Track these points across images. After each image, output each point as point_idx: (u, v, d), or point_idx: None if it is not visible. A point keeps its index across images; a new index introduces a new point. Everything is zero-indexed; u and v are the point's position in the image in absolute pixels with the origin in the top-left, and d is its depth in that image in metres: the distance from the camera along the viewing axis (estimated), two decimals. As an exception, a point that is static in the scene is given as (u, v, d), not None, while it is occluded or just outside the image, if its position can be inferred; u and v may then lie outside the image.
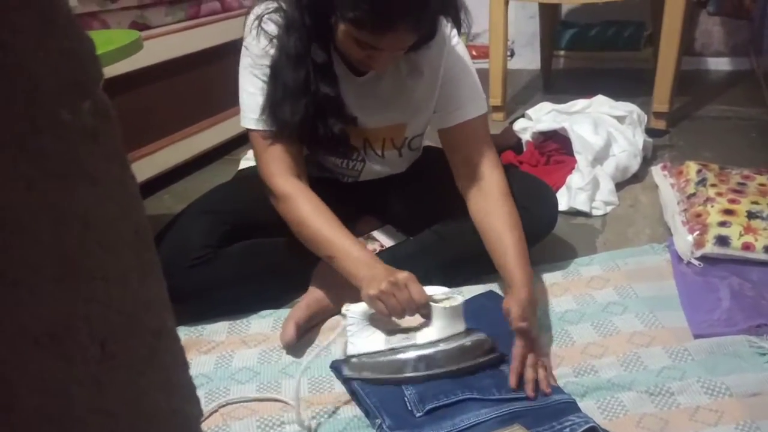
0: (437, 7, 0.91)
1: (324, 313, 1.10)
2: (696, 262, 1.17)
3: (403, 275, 0.90)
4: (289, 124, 0.98)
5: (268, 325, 1.12)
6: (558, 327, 1.05)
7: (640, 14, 2.48)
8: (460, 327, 0.93)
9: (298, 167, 1.04)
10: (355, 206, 1.28)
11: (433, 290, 0.93)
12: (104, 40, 1.10)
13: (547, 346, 1.00)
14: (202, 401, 0.93)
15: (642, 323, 1.04)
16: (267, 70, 0.99)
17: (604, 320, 1.06)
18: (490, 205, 1.05)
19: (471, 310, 0.97)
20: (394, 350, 0.91)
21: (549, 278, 1.19)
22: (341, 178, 1.23)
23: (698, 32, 2.56)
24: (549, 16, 2.48)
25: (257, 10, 1.01)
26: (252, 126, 1.02)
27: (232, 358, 1.04)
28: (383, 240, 1.33)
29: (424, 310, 0.92)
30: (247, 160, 1.34)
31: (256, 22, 0.99)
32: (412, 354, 0.90)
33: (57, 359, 0.23)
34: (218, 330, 1.11)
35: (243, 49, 1.03)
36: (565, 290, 1.15)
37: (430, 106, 1.12)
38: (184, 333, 1.10)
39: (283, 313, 1.13)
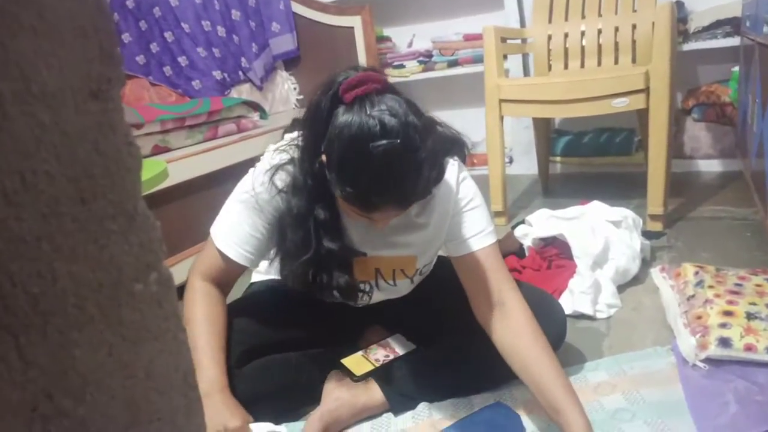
0: (425, 184, 0.92)
1: (337, 425, 1.12)
2: (701, 365, 1.19)
3: (233, 426, 0.94)
4: (295, 277, 1.06)
5: (282, 440, 1.13)
6: (568, 436, 1.05)
7: (629, 121, 2.64)
8: None
9: (224, 286, 1.15)
10: (363, 318, 1.33)
11: (259, 428, 0.96)
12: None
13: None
14: None
15: (651, 430, 1.05)
16: (269, 218, 1.07)
17: (613, 428, 1.06)
18: (518, 329, 1.05)
19: (481, 422, 0.98)
20: None
21: (557, 385, 1.21)
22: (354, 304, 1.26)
23: (686, 137, 2.69)
24: (543, 125, 2.64)
25: (270, 156, 1.08)
26: (222, 248, 1.10)
27: (245, 476, 1.04)
28: (395, 347, 1.36)
29: None
30: (258, 273, 1.40)
31: (269, 172, 1.05)
32: None
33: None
34: (232, 446, 1.12)
35: (250, 191, 1.07)
36: (573, 397, 1.16)
37: (440, 239, 1.16)
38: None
39: (296, 426, 1.14)
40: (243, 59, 2.81)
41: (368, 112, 0.87)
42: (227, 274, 1.14)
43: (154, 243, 0.30)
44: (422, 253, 1.18)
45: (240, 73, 2.82)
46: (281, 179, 1.05)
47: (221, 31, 2.76)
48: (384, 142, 0.85)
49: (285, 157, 1.06)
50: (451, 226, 1.13)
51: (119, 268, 0.28)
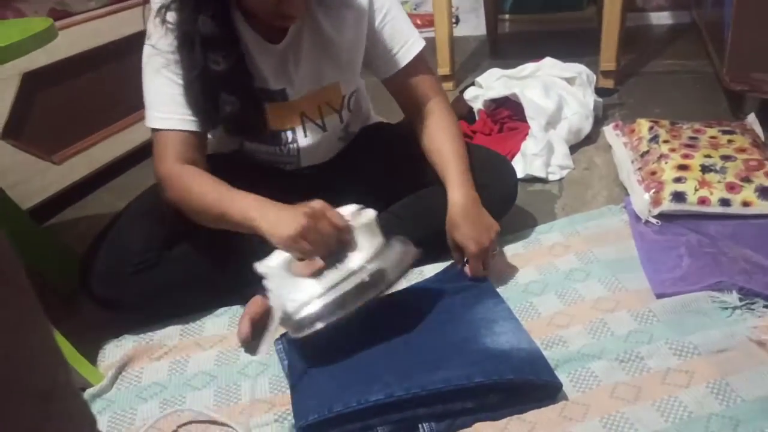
0: None
1: (282, 306, 1.05)
2: (654, 221, 1.17)
3: (316, 203, 0.83)
4: (199, 112, 0.93)
5: (224, 324, 1.06)
6: (522, 300, 1.02)
7: (581, -27, 2.47)
8: (380, 238, 0.88)
9: (194, 157, 0.97)
10: (307, 195, 1.23)
11: (342, 209, 0.86)
12: (16, 30, 1.00)
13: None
14: (157, 411, 0.88)
15: (605, 288, 1.03)
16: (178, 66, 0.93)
17: (567, 288, 1.04)
18: (435, 130, 1.09)
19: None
20: (334, 288, 0.83)
21: (510, 249, 1.17)
22: (284, 167, 1.17)
23: (639, -12, 2.56)
24: (491, -21, 2.44)
25: (157, 1, 0.93)
26: (164, 126, 0.95)
27: (187, 363, 0.98)
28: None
29: (347, 235, 0.85)
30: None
31: (158, 16, 0.91)
32: (355, 282, 0.82)
33: None
34: (170, 334, 1.04)
35: (148, 48, 0.94)
36: (528, 261, 1.13)
37: (360, 55, 1.08)
38: (132, 341, 1.03)
39: (239, 310, 1.08)
40: None
41: None
42: (190, 151, 0.96)
43: None
44: (343, 75, 1.08)
45: None
46: (172, 17, 0.92)
47: None
48: None
49: None
50: (374, 43, 1.07)
51: None
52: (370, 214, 0.87)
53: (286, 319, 0.82)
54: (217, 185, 0.91)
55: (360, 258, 0.85)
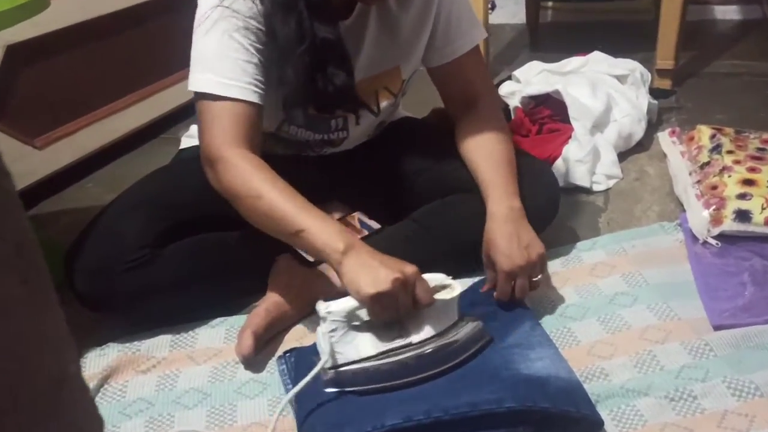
0: None
1: (285, 319, 1.06)
2: (713, 242, 1.16)
3: (410, 271, 0.84)
4: (293, 86, 0.96)
5: (220, 336, 1.07)
6: (559, 324, 1.02)
7: (637, -43, 2.48)
8: (455, 317, 0.90)
9: (256, 143, 0.98)
10: (320, 190, 1.24)
11: (429, 278, 0.88)
12: (4, -1, 1.03)
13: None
14: (142, 430, 0.89)
15: (655, 316, 1.02)
16: (255, 31, 0.95)
17: (611, 314, 1.04)
18: (480, 125, 1.10)
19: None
20: (386, 354, 0.85)
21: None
22: (314, 152, 1.20)
23: (703, -24, 2.57)
24: (534, -39, 2.46)
25: None
26: (223, 93, 0.95)
27: (177, 378, 0.99)
28: (356, 226, 1.30)
29: (424, 308, 0.87)
30: (190, 138, 1.27)
31: None
32: (408, 356, 0.85)
33: None
34: (159, 344, 1.05)
35: (221, 9, 0.94)
36: (566, 281, 1.13)
37: (424, 37, 1.12)
38: (117, 350, 1.04)
39: (237, 320, 1.09)
40: None
41: None
42: (250, 128, 0.97)
43: None
44: (406, 59, 1.13)
45: None
46: None
47: None
48: None
49: None
50: (440, 25, 1.11)
51: None
52: (455, 292, 0.89)
53: (328, 369, 0.85)
54: (292, 194, 0.92)
55: (425, 333, 0.87)
